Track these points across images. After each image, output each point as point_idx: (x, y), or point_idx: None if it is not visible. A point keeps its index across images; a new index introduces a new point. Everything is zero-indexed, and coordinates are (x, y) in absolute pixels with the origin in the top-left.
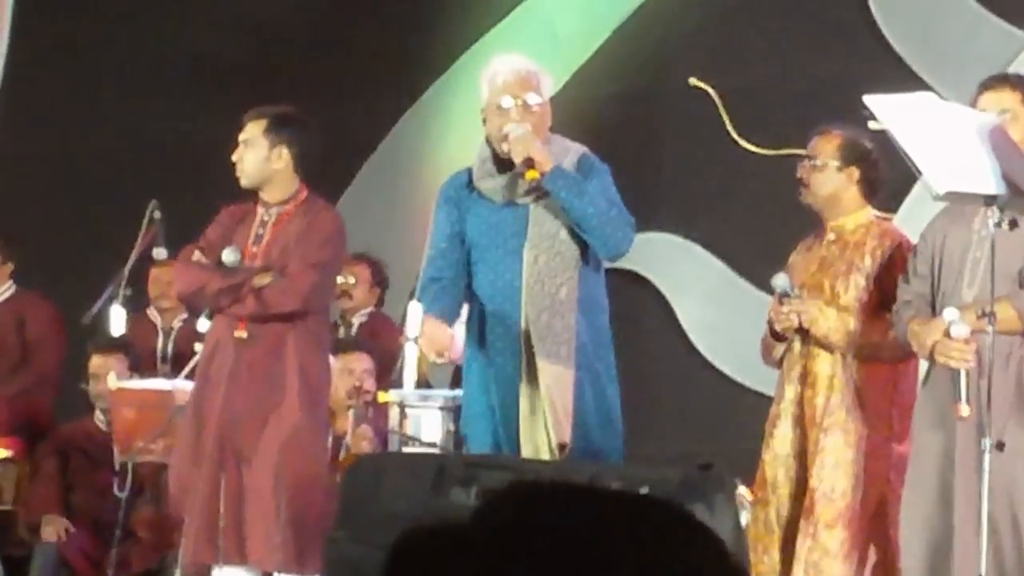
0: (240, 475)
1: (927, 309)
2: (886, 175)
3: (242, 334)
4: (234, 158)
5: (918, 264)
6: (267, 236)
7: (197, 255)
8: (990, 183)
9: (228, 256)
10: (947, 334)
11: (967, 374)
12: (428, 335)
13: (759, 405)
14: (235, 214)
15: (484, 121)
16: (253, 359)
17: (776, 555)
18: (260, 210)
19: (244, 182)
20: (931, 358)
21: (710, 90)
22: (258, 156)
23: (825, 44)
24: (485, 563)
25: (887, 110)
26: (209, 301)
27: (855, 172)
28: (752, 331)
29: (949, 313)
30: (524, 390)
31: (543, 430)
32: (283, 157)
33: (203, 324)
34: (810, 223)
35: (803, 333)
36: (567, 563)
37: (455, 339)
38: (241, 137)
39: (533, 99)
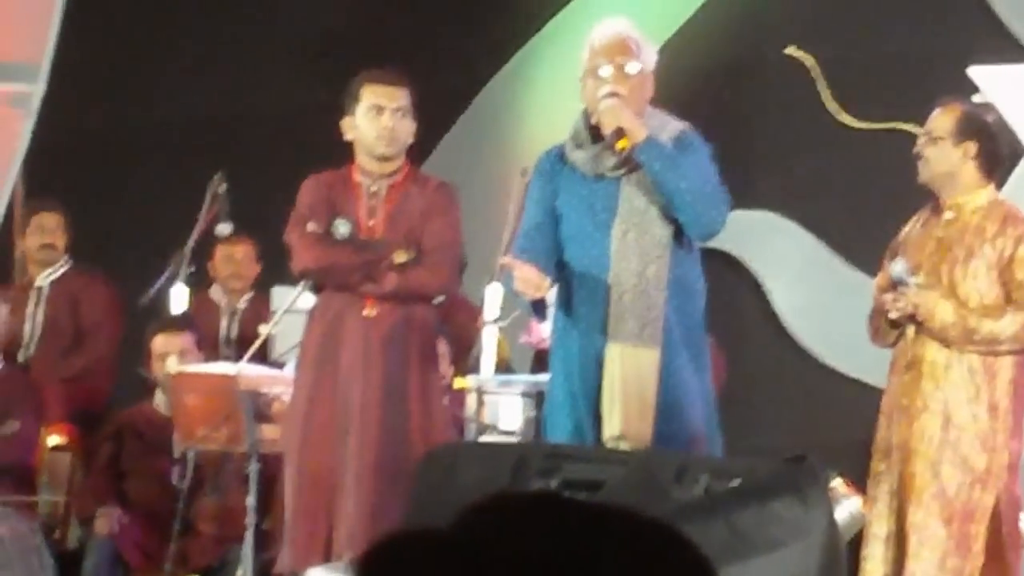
0: (368, 458)
1: None
2: (1005, 151)
3: (371, 312)
4: (387, 123)
5: None
6: (382, 209)
7: (312, 226)
8: None
9: (341, 228)
10: None
11: None
12: (521, 276)
13: (858, 393)
14: (326, 183)
15: (583, 88)
16: (382, 337)
17: (880, 548)
18: (363, 180)
19: (389, 150)
20: None
21: (807, 60)
22: (413, 126)
23: (928, 13)
24: (462, 570)
25: (993, 82)
26: (340, 277)
27: (971, 147)
28: (850, 315)
29: None
30: (607, 373)
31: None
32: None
33: (305, 300)
34: (913, 199)
35: (917, 321)
36: None
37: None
38: (393, 105)
39: (632, 67)
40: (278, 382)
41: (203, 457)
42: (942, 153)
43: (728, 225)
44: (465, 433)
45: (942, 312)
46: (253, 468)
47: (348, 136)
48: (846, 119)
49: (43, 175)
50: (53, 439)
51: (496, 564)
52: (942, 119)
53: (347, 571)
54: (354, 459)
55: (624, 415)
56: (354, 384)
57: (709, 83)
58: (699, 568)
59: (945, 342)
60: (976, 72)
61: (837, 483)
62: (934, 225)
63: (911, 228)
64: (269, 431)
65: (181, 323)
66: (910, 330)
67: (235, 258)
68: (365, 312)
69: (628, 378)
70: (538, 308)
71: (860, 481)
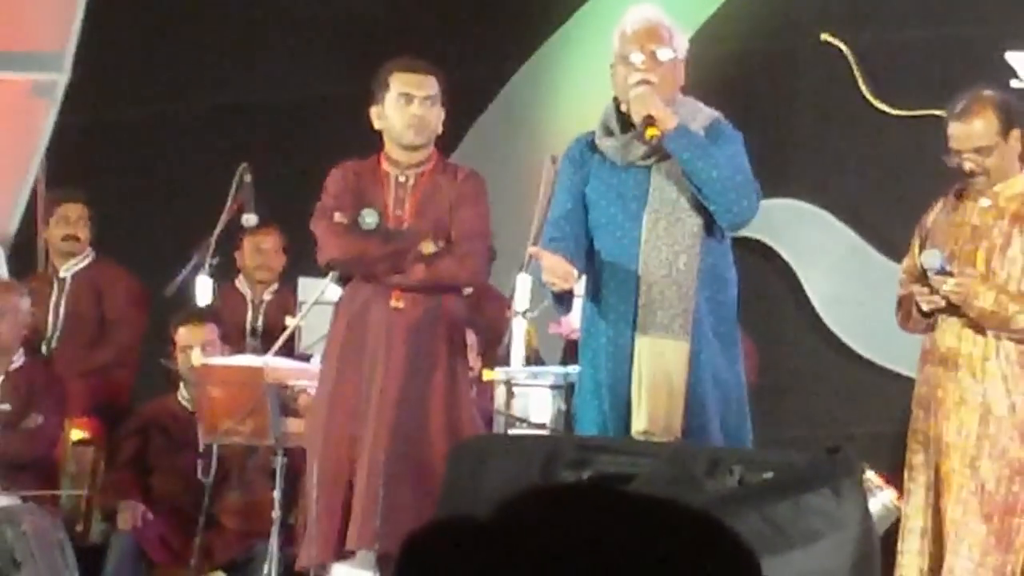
0: (379, 451)
1: None
2: None
3: (399, 303)
4: (416, 112)
5: None
6: (410, 199)
7: (339, 217)
8: None
9: (368, 218)
10: None
11: None
12: (549, 266)
13: (892, 384)
14: (353, 172)
15: (613, 75)
16: (408, 329)
17: (916, 543)
18: (391, 170)
19: (418, 139)
20: None
21: (843, 47)
22: (442, 114)
23: (964, 0)
24: (501, 560)
25: None
26: (366, 268)
27: (1016, 132)
28: (884, 304)
29: None
30: (636, 365)
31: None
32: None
33: (332, 291)
34: (947, 187)
35: (952, 308)
36: (586, 569)
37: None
38: (422, 93)
39: (664, 53)
40: (304, 375)
41: (228, 451)
42: (1003, 157)
43: (761, 214)
44: (494, 426)
45: (981, 299)
46: (279, 462)
47: (376, 125)
48: (881, 106)
49: (66, 165)
50: (76, 433)
51: (538, 555)
52: (979, 125)
53: (372, 567)
54: (367, 451)
55: (653, 408)
56: (375, 376)
57: (742, 70)
58: (742, 559)
59: (982, 329)
60: (1014, 58)
61: (870, 475)
62: (966, 212)
63: (938, 214)
64: (295, 424)
65: (205, 315)
66: (942, 321)
67: (263, 248)
68: (392, 303)
69: (657, 370)
70: (562, 300)
71: (895, 473)
